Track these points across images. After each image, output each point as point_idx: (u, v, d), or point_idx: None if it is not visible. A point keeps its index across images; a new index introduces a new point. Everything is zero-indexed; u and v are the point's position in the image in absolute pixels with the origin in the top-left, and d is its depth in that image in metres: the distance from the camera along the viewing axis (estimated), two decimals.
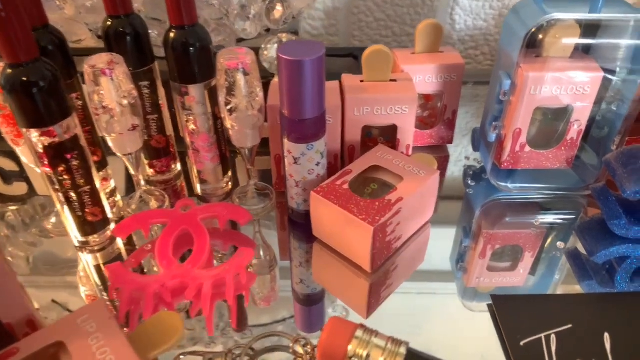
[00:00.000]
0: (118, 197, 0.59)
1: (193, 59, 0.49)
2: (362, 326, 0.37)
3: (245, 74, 0.47)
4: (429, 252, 0.52)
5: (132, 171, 0.53)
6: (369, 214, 0.45)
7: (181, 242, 0.49)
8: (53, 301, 0.48)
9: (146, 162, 0.60)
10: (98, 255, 0.52)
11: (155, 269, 0.49)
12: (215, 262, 0.51)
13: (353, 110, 0.54)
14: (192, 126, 0.53)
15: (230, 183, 0.60)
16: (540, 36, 0.51)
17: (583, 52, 0.53)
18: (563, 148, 0.56)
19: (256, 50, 0.57)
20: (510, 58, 0.52)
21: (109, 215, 0.52)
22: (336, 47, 0.83)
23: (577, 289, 0.48)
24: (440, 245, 0.53)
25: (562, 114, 0.55)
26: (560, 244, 0.53)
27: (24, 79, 0.40)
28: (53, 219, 0.56)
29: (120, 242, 0.53)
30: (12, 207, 0.60)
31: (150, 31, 0.54)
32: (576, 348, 0.40)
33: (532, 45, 0.51)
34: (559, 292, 0.48)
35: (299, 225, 0.54)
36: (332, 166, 0.57)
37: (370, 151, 0.53)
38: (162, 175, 0.61)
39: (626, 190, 0.47)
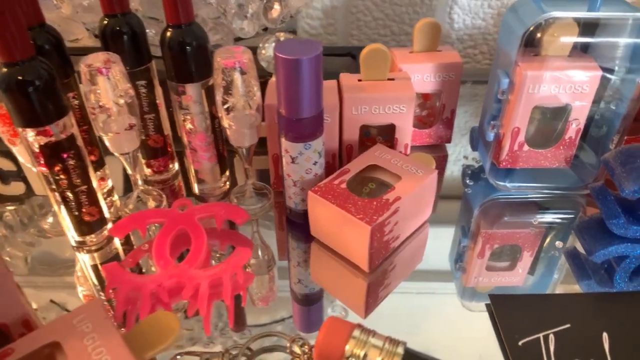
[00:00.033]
0: (115, 197, 0.58)
1: (190, 58, 0.49)
2: (359, 326, 0.37)
3: (242, 72, 0.46)
4: (428, 252, 0.52)
5: (129, 171, 0.53)
6: (367, 214, 0.45)
7: (179, 242, 0.49)
8: (51, 301, 0.47)
9: (144, 161, 0.60)
10: (95, 255, 0.51)
11: (153, 268, 0.48)
12: (213, 261, 0.51)
13: (351, 110, 0.53)
14: (189, 125, 0.53)
15: (228, 182, 0.60)
16: (539, 35, 0.50)
17: (581, 51, 0.53)
18: (561, 147, 0.56)
19: (254, 50, 0.57)
20: (509, 57, 0.52)
21: (106, 215, 0.51)
22: (334, 46, 0.82)
23: (576, 288, 0.48)
24: (439, 244, 0.53)
25: (560, 112, 0.55)
26: (559, 244, 0.52)
27: (20, 78, 0.40)
28: (50, 219, 0.56)
29: (117, 242, 0.53)
30: (10, 207, 0.60)
31: (147, 30, 0.54)
32: (575, 348, 0.40)
33: (531, 44, 0.51)
34: (557, 291, 0.48)
35: (296, 225, 0.54)
36: (330, 166, 0.56)
37: (368, 150, 0.53)
38: (160, 175, 0.61)
39: (625, 189, 0.47)
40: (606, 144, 0.55)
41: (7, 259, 0.53)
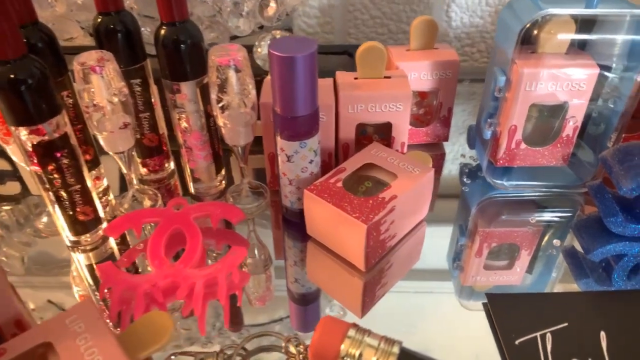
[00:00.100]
0: (111, 196, 0.58)
1: (184, 56, 0.49)
2: (354, 325, 0.36)
3: (237, 70, 0.46)
4: (425, 251, 0.52)
5: (124, 170, 0.52)
6: (363, 212, 0.45)
7: (174, 242, 0.49)
8: (49, 301, 0.47)
9: (139, 160, 0.59)
10: (90, 254, 0.51)
11: (149, 268, 0.48)
12: (209, 261, 0.50)
13: (347, 108, 0.53)
14: (184, 124, 0.52)
15: (223, 182, 0.59)
16: (535, 32, 0.50)
17: (579, 48, 0.53)
18: (559, 145, 0.55)
19: (249, 48, 0.56)
20: (505, 54, 0.52)
21: (101, 214, 0.51)
22: (331, 45, 0.82)
23: (574, 287, 0.47)
24: (436, 243, 0.53)
25: (557, 110, 0.54)
26: (556, 242, 0.52)
27: (12, 76, 0.40)
28: (44, 219, 0.56)
29: (112, 242, 0.53)
30: (6, 206, 0.60)
31: (142, 29, 0.54)
32: (572, 347, 0.40)
33: (527, 41, 0.50)
34: (556, 290, 0.48)
35: (293, 224, 0.54)
36: (326, 164, 0.56)
37: (364, 149, 0.53)
38: (155, 174, 0.60)
39: (622, 187, 0.47)
40: (604, 142, 0.54)
41: (3, 258, 0.52)
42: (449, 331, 0.44)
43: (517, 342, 0.40)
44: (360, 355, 0.35)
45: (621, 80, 0.52)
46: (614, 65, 0.52)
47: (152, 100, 0.56)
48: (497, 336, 0.42)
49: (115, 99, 0.46)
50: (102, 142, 0.49)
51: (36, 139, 0.42)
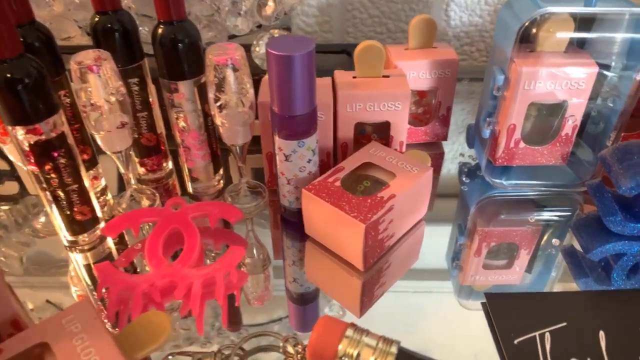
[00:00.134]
0: (109, 196, 0.58)
1: (182, 55, 0.48)
2: (352, 325, 0.36)
3: (235, 69, 0.46)
4: (424, 250, 0.51)
5: (121, 169, 0.52)
6: (361, 212, 0.44)
7: (172, 241, 0.49)
8: (47, 301, 0.47)
9: (137, 160, 0.59)
10: (88, 254, 0.51)
11: (147, 268, 0.48)
12: (207, 261, 0.50)
13: (345, 107, 0.53)
14: (182, 123, 0.52)
15: (222, 181, 0.59)
16: (534, 30, 0.50)
17: (578, 47, 0.53)
18: (558, 144, 0.55)
19: (248, 47, 0.56)
20: (504, 53, 0.52)
21: (99, 214, 0.51)
22: (329, 44, 0.82)
23: (573, 286, 0.47)
24: (435, 243, 0.53)
25: (556, 109, 0.54)
26: (555, 241, 0.52)
27: (8, 75, 0.39)
28: (42, 219, 0.56)
29: (110, 242, 0.53)
30: (4, 206, 0.60)
31: (140, 28, 0.54)
32: (571, 346, 0.40)
33: (526, 40, 0.50)
34: (555, 289, 0.48)
35: (291, 224, 0.54)
36: (324, 164, 0.56)
37: (363, 148, 0.53)
38: (154, 174, 0.60)
39: (621, 186, 0.47)
40: (603, 141, 0.54)
41: (2, 258, 0.52)
42: (448, 331, 0.44)
43: (516, 341, 0.40)
44: (358, 355, 0.35)
45: (620, 79, 0.52)
46: (613, 63, 0.52)
47: (150, 99, 0.55)
48: (495, 336, 0.41)
49: (113, 99, 0.46)
50: (99, 142, 0.49)
51: (33, 139, 0.42)
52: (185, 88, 0.50)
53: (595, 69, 0.50)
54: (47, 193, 0.46)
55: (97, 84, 0.45)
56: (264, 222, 0.56)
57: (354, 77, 0.54)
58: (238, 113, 0.48)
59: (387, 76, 0.55)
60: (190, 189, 0.58)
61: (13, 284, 0.42)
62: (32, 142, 0.42)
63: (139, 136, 0.56)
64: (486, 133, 0.56)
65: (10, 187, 0.63)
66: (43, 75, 0.41)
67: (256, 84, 0.50)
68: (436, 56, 0.60)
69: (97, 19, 0.50)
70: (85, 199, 0.48)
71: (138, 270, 0.49)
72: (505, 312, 0.43)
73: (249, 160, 0.56)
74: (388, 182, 0.48)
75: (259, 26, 0.64)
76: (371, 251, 0.46)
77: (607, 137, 0.54)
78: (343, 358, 0.35)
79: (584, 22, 0.50)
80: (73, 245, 0.51)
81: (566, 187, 0.58)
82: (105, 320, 0.43)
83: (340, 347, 0.35)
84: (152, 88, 0.55)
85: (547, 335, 0.41)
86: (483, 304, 0.45)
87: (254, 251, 0.52)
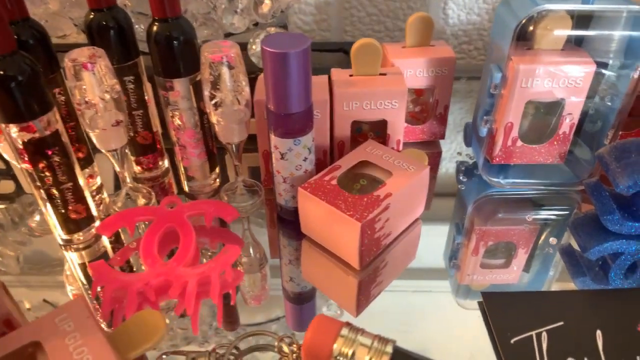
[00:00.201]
0: (104, 195, 0.58)
1: (177, 53, 0.48)
2: (347, 324, 0.36)
3: (230, 67, 0.46)
4: (421, 249, 0.51)
5: (117, 168, 0.52)
6: (357, 210, 0.44)
7: (168, 240, 0.49)
8: (44, 300, 0.47)
9: (133, 158, 0.59)
10: (83, 253, 0.51)
11: (143, 267, 0.48)
12: (203, 260, 0.50)
13: (342, 105, 0.53)
14: (177, 121, 0.52)
15: (218, 180, 0.59)
16: (531, 28, 0.50)
17: (575, 45, 0.53)
18: (555, 142, 0.55)
19: (244, 45, 0.56)
20: (502, 51, 0.51)
21: (94, 212, 0.51)
22: (327, 42, 0.82)
23: (570, 285, 0.47)
24: (432, 242, 0.52)
25: (554, 107, 0.54)
26: (553, 240, 0.52)
27: (1, 72, 0.39)
28: (37, 217, 0.55)
29: (106, 240, 0.52)
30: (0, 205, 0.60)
31: (136, 26, 0.54)
32: (567, 345, 0.40)
33: (523, 37, 0.50)
34: (553, 289, 0.47)
35: (287, 222, 0.53)
36: (321, 162, 0.56)
37: (359, 146, 0.52)
38: (149, 172, 0.60)
39: (619, 184, 0.47)
40: (601, 139, 0.54)
41: None
42: (445, 330, 0.43)
43: (512, 340, 0.40)
44: (353, 354, 0.34)
45: (618, 77, 0.52)
46: (610, 62, 0.52)
47: (146, 97, 0.55)
48: (492, 335, 0.41)
49: (107, 96, 0.46)
50: (94, 140, 0.49)
51: (27, 136, 0.42)
52: (180, 86, 0.50)
53: (593, 67, 0.50)
54: (41, 191, 0.46)
55: (92, 81, 0.45)
56: (260, 221, 0.56)
57: (351, 75, 0.54)
58: (234, 111, 0.48)
59: (384, 74, 0.54)
60: (186, 188, 0.58)
61: (8, 283, 0.41)
62: (25, 140, 0.42)
63: (134, 134, 0.56)
64: (483, 131, 0.55)
65: (6, 186, 0.63)
66: (36, 72, 0.41)
67: (252, 83, 0.50)
68: (433, 54, 0.59)
69: (92, 17, 0.50)
70: (80, 198, 0.48)
71: (133, 269, 0.49)
72: (502, 311, 0.43)
73: (245, 159, 0.55)
74: (384, 181, 0.48)
75: (256, 24, 0.64)
76: (367, 250, 0.46)
77: (605, 136, 0.53)
78: (338, 357, 0.35)
79: (582, 20, 0.50)
80: (68, 244, 0.50)
81: (564, 185, 0.58)
82: (100, 319, 0.43)
83: (335, 346, 0.35)
84: (147, 86, 0.55)
85: (544, 334, 0.40)
86: (480, 303, 0.44)
87: (251, 250, 0.52)
